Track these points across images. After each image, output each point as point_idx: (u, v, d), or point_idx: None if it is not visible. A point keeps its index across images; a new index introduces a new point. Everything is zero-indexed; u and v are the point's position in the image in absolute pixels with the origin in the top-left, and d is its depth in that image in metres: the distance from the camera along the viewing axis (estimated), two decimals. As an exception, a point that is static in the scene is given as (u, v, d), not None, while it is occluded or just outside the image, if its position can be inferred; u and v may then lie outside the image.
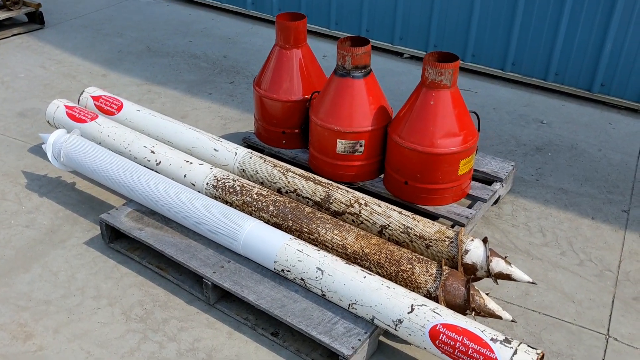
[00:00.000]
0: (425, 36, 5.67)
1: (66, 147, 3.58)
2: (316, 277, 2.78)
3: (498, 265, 2.87)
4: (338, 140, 3.56)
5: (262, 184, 3.51)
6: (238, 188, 3.31)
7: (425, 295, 2.76)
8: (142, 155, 3.62)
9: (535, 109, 5.03)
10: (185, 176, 3.45)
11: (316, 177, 3.44)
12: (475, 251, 2.91)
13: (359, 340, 2.64)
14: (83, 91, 4.24)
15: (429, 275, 2.78)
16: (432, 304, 2.59)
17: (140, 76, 5.41)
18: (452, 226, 3.43)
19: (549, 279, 3.28)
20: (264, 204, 3.21)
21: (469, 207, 3.59)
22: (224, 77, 5.45)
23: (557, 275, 3.30)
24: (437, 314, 2.53)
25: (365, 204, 3.22)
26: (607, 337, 2.95)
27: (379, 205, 3.21)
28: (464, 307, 2.70)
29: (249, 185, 3.33)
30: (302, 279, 2.83)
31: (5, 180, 3.94)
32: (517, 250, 3.49)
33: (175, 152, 3.60)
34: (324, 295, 2.80)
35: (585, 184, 4.11)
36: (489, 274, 2.89)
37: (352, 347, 2.61)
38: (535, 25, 5.08)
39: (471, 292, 2.69)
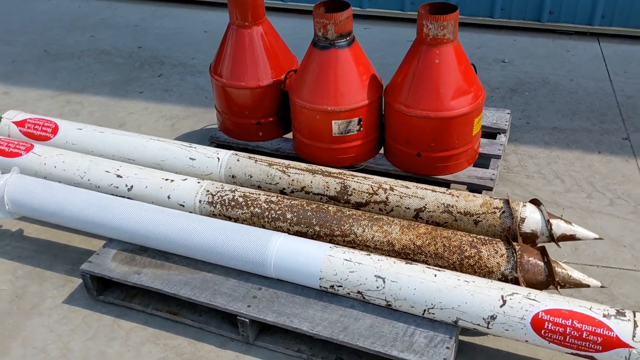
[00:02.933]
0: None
1: (10, 191, 2.88)
2: (377, 287, 2.37)
3: (559, 227, 2.59)
4: (333, 121, 3.11)
5: (259, 188, 3.01)
6: (240, 199, 2.80)
7: (500, 280, 2.43)
8: (107, 183, 2.99)
9: (490, 48, 4.80)
10: (169, 197, 2.89)
11: (323, 168, 2.98)
12: (532, 217, 2.61)
13: (448, 348, 2.28)
14: (0, 118, 3.48)
15: (500, 256, 2.45)
16: (522, 289, 2.27)
17: (50, 86, 4.62)
18: (478, 192, 3.12)
19: (589, 227, 3.06)
20: (278, 212, 2.73)
21: (484, 166, 3.28)
22: (149, 70, 4.77)
23: (596, 221, 3.10)
24: (534, 300, 2.21)
25: (391, 188, 2.82)
26: (664, 279, 2.78)
27: (407, 187, 2.82)
28: (546, 283, 2.41)
29: (253, 193, 2.83)
30: (358, 292, 2.41)
31: None
32: (544, 203, 3.24)
33: (147, 170, 3.01)
34: (389, 305, 2.40)
35: (575, 118, 3.94)
36: (551, 238, 2.60)
37: (445, 359, 2.24)
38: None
39: (552, 264, 2.39)
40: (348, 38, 3.08)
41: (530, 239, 2.62)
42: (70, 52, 5.10)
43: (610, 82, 4.31)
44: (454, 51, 2.97)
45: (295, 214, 2.71)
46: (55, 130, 3.37)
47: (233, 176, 3.06)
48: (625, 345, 2.09)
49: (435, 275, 2.34)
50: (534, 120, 3.93)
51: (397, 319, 2.40)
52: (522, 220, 2.61)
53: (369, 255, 2.46)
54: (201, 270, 2.67)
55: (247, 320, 2.46)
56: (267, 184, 3.00)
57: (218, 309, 2.51)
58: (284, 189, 2.98)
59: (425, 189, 2.80)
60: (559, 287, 2.40)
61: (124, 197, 2.93)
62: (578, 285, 2.41)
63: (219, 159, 3.09)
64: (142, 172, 2.99)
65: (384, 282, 2.36)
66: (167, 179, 2.94)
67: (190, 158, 3.12)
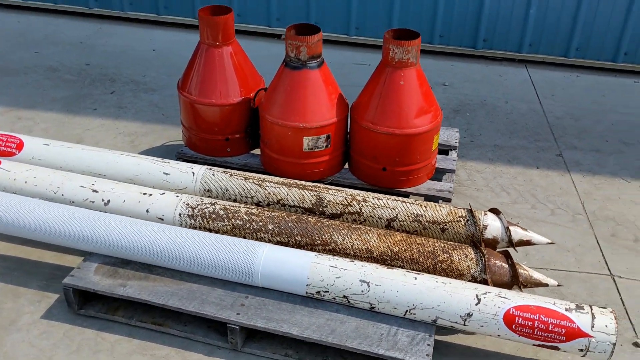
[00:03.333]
0: (305, 14, 5.46)
1: (-17, 207, 2.85)
2: (362, 291, 2.54)
3: (517, 233, 2.87)
4: (304, 137, 3.28)
5: (235, 201, 3.13)
6: (221, 212, 2.90)
7: (470, 281, 2.67)
8: (82, 198, 3.01)
9: (431, 72, 5.13)
10: (148, 211, 2.95)
11: (298, 181, 3.14)
12: (493, 224, 2.88)
13: (428, 345, 2.48)
14: (-41, 133, 3.41)
15: (470, 260, 2.69)
16: (494, 289, 2.51)
17: (-3, 102, 4.53)
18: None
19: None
20: (259, 223, 2.85)
21: (438, 180, 3.54)
22: (100, 87, 4.76)
23: (541, 229, 3.42)
24: (505, 297, 2.46)
25: (364, 200, 3.02)
26: (612, 276, 3.12)
27: (379, 199, 3.03)
28: (511, 283, 2.67)
29: (233, 206, 2.94)
30: (344, 297, 2.58)
31: None
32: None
33: (123, 185, 3.05)
34: (372, 308, 2.57)
35: (513, 136, 4.30)
36: (510, 244, 2.87)
37: (427, 355, 2.44)
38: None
39: (516, 267, 2.66)
40: (318, 60, 3.27)
41: (492, 244, 2.88)
42: (15, 69, 5.00)
43: (540, 105, 4.72)
44: (416, 74, 3.22)
45: (276, 225, 2.85)
46: (20, 145, 3.35)
47: (208, 190, 3.15)
48: (586, 335, 2.37)
49: (416, 278, 2.54)
50: (477, 138, 4.26)
51: (380, 321, 2.58)
52: (485, 227, 2.88)
53: (352, 261, 2.63)
54: (186, 281, 2.74)
55: (237, 327, 2.57)
56: (243, 197, 3.12)
57: (207, 317, 2.59)
58: (260, 202, 3.11)
59: (396, 200, 3.02)
60: (522, 286, 2.66)
61: (100, 211, 2.96)
62: (538, 284, 2.68)
63: (193, 173, 3.18)
64: (119, 186, 3.04)
65: (369, 286, 2.54)
66: (144, 193, 3.00)
67: (165, 173, 3.19)
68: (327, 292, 2.59)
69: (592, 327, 2.37)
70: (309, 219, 2.88)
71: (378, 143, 3.27)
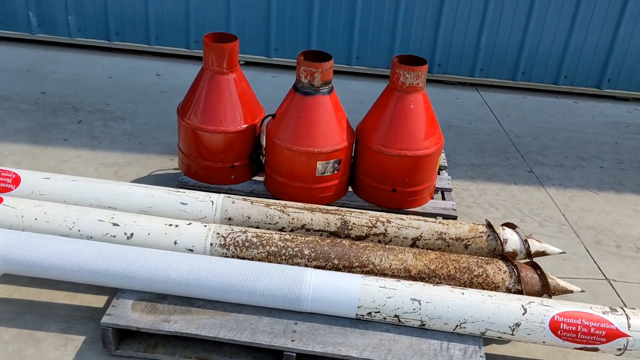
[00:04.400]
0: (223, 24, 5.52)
1: (1, 248, 2.64)
2: (414, 309, 2.61)
3: (534, 245, 3.07)
4: (318, 162, 3.32)
5: (257, 228, 3.10)
6: (254, 239, 2.88)
7: (505, 292, 2.81)
8: (102, 232, 2.87)
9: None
10: (176, 243, 2.86)
11: (319, 206, 3.17)
12: (512, 238, 3.06)
13: (481, 357, 2.59)
14: (-57, 169, 3.14)
15: (503, 273, 2.84)
16: (536, 299, 2.67)
17: (-49, 135, 4.19)
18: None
19: (533, 246, 3.60)
20: (295, 249, 2.85)
21: (442, 199, 3.70)
22: (64, 117, 4.54)
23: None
24: (548, 306, 2.62)
25: (388, 221, 3.10)
26: (608, 280, 3.39)
27: (402, 219, 3.12)
28: (541, 292, 2.84)
29: (265, 232, 2.92)
30: (395, 316, 2.63)
31: None
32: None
33: (145, 217, 2.95)
34: (423, 325, 2.65)
35: (485, 155, 4.57)
36: (527, 255, 3.06)
37: (483, 366, 2.55)
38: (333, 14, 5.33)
39: (545, 276, 2.84)
40: (329, 85, 3.33)
41: (512, 257, 3.05)
42: (-38, 98, 4.65)
43: (500, 125, 5.04)
44: (423, 98, 3.37)
45: (312, 249, 2.86)
46: (16, 180, 3.13)
47: (229, 218, 3.11)
48: (624, 335, 2.57)
49: (463, 293, 2.65)
50: (453, 158, 4.47)
51: (430, 337, 2.65)
52: (505, 241, 3.05)
53: (399, 281, 2.70)
54: (230, 312, 2.68)
55: (294, 354, 2.55)
56: (266, 224, 3.10)
57: (262, 346, 2.55)
58: (283, 227, 3.10)
59: (418, 219, 3.13)
60: (551, 294, 2.84)
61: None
62: (565, 291, 2.87)
63: (212, 202, 3.12)
64: (140, 219, 2.92)
65: (420, 304, 2.61)
66: (170, 224, 2.91)
67: (182, 203, 3.10)
68: (379, 312, 2.63)
69: (629, 327, 2.58)
70: (344, 242, 2.92)
71: (389, 165, 3.36)
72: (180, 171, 3.99)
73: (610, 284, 3.36)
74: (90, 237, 2.87)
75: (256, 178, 3.67)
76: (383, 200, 3.48)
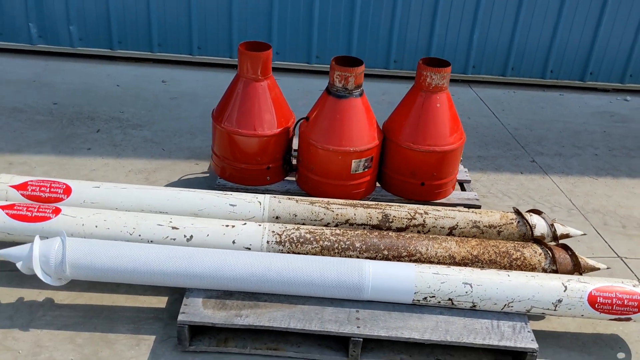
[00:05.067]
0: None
1: (71, 254, 2.75)
2: (466, 292, 2.84)
3: (559, 229, 3.34)
4: (353, 160, 3.52)
5: (303, 224, 3.28)
6: (308, 236, 3.06)
7: (542, 272, 3.07)
8: (162, 236, 3.01)
9: (392, 95, 5.56)
10: (234, 242, 3.02)
11: (360, 201, 3.37)
12: (539, 223, 3.33)
13: (529, 332, 2.83)
14: (-7, 183, 3.22)
15: (539, 255, 3.09)
16: (574, 277, 2.93)
17: (-27, 148, 4.22)
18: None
19: (549, 230, 3.88)
20: (347, 242, 3.05)
21: (462, 190, 3.94)
22: (82, 127, 4.61)
23: (550, 225, 3.93)
24: (585, 282, 2.89)
25: (426, 212, 3.32)
26: (620, 258, 3.70)
27: (438, 210, 3.35)
28: (573, 271, 3.10)
29: (317, 228, 3.10)
30: (449, 299, 2.86)
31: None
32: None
33: (201, 220, 3.09)
34: (474, 306, 2.88)
35: (489, 147, 4.84)
36: (554, 238, 3.33)
37: (532, 340, 2.79)
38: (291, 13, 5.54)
39: (576, 256, 3.11)
40: (361, 89, 3.53)
41: (540, 240, 3.31)
42: (-27, 111, 4.67)
43: (497, 119, 5.33)
44: (447, 97, 3.60)
45: (363, 242, 3.06)
46: (67, 190, 3.23)
47: (277, 217, 3.27)
48: (653, 304, 2.86)
49: (509, 275, 2.89)
50: (461, 151, 4.73)
51: (481, 317, 2.89)
52: (533, 226, 3.31)
53: (449, 267, 2.92)
54: (295, 304, 2.86)
55: (361, 340, 2.74)
56: (312, 221, 3.28)
57: (331, 334, 2.74)
58: (328, 223, 3.29)
59: (453, 209, 3.36)
60: (582, 272, 3.11)
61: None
62: (593, 269, 3.14)
63: (260, 202, 3.28)
64: (198, 221, 3.07)
65: (471, 287, 2.84)
66: (227, 225, 3.06)
67: (231, 204, 3.26)
68: (434, 297, 2.85)
69: (657, 297, 2.87)
70: (390, 234, 3.12)
71: (418, 160, 3.59)
72: (207, 175, 4.15)
73: (623, 261, 3.66)
74: (151, 241, 3.00)
75: (288, 178, 3.84)
76: (412, 194, 3.70)
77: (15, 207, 3.01)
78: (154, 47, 5.63)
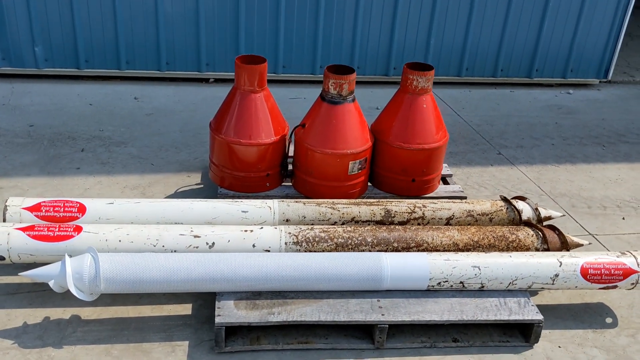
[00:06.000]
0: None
1: (105, 269, 2.84)
2: (475, 275, 3.11)
3: (542, 212, 3.68)
4: (350, 162, 3.73)
5: (312, 224, 3.47)
6: (322, 234, 3.25)
7: (535, 251, 3.38)
8: (185, 245, 3.13)
9: (361, 99, 5.81)
10: (254, 246, 3.17)
11: (363, 200, 3.59)
12: (525, 208, 3.65)
13: (533, 306, 3.13)
14: (5, 207, 3.24)
15: (531, 236, 3.41)
16: (565, 253, 3.26)
17: (-44, 175, 4.17)
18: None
19: (526, 215, 4.22)
20: (359, 238, 3.26)
21: (444, 184, 4.23)
22: (65, 147, 4.62)
23: (526, 211, 4.27)
24: (575, 257, 3.21)
25: (424, 206, 3.58)
26: (592, 235, 4.08)
27: (435, 203, 3.62)
28: (561, 248, 3.44)
29: (330, 227, 3.30)
30: (460, 282, 3.12)
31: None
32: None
33: (220, 227, 3.23)
34: (482, 287, 3.15)
35: (458, 143, 5.17)
36: (538, 221, 3.66)
37: (537, 312, 3.09)
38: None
39: (563, 235, 3.44)
40: (353, 95, 3.76)
41: (530, 223, 3.63)
42: (-51, 138, 4.59)
43: (459, 116, 5.69)
44: (431, 98, 3.88)
45: (373, 237, 3.28)
46: (81, 209, 3.29)
47: (287, 220, 3.45)
48: (636, 272, 3.21)
49: (510, 256, 3.18)
50: (433, 149, 5.04)
51: (488, 296, 3.16)
52: (520, 211, 3.63)
53: (455, 253, 3.19)
54: (320, 299, 3.04)
55: (386, 326, 2.96)
56: (321, 221, 3.48)
57: (359, 323, 2.95)
58: (335, 222, 3.49)
59: (447, 201, 3.64)
60: (568, 249, 3.45)
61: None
62: (577, 245, 3.48)
63: (270, 207, 3.45)
64: (218, 229, 3.20)
65: (480, 269, 3.12)
66: (245, 230, 3.21)
67: (243, 211, 3.41)
68: (447, 281, 3.11)
69: (638, 265, 3.23)
70: (398, 227, 3.36)
71: (409, 158, 3.84)
72: (202, 186, 4.26)
73: (595, 238, 4.05)
74: (174, 251, 3.12)
75: (285, 183, 4.02)
76: (403, 190, 3.96)
77: (36, 228, 3.06)
78: (122, 64, 5.66)
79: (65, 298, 3.11)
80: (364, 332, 3.07)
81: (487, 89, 6.39)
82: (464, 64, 6.21)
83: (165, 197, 4.08)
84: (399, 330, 3.09)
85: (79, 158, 4.47)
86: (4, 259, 3.03)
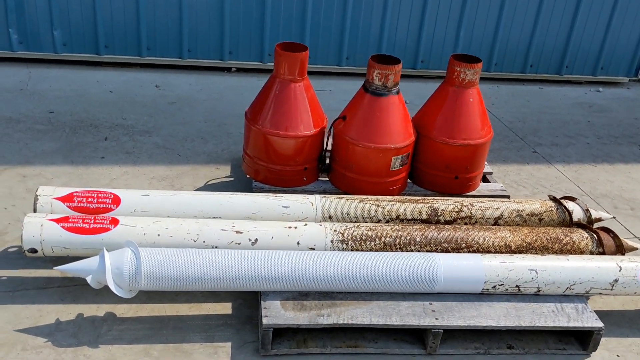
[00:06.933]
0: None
1: (146, 265, 2.67)
2: (532, 278, 2.95)
3: (593, 213, 3.52)
4: (394, 157, 3.57)
5: (355, 222, 3.30)
6: (370, 233, 3.09)
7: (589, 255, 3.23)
8: (227, 241, 2.96)
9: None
10: (299, 243, 3.01)
11: (408, 197, 3.43)
12: (576, 209, 3.49)
13: (591, 312, 2.98)
14: (36, 197, 3.06)
15: (586, 239, 3.25)
16: (625, 257, 3.11)
17: (-22, 162, 3.99)
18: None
19: (569, 216, 4.06)
20: (408, 237, 3.10)
21: (484, 182, 4.07)
22: (87, 135, 4.43)
23: (568, 211, 4.12)
24: (635, 261, 3.06)
25: (471, 204, 3.42)
26: (638, 239, 3.92)
27: (482, 202, 3.46)
28: (616, 252, 3.28)
29: (377, 226, 3.14)
30: (516, 286, 2.96)
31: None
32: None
33: (262, 223, 3.06)
34: (538, 291, 2.99)
35: (492, 140, 4.99)
36: (588, 222, 3.50)
37: (596, 319, 2.93)
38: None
39: (619, 238, 3.29)
40: (398, 86, 3.59)
41: (584, 224, 3.47)
42: (-32, 123, 4.40)
43: (490, 113, 5.52)
44: (478, 92, 3.72)
45: (423, 236, 3.12)
46: (116, 200, 3.12)
47: (329, 217, 3.28)
48: (698, 278, 3.06)
49: (568, 260, 3.03)
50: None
51: (544, 301, 3.00)
52: (571, 212, 3.47)
53: (511, 255, 3.03)
54: (369, 300, 2.88)
55: (441, 331, 2.80)
56: (364, 219, 3.31)
57: (413, 327, 2.79)
58: (380, 220, 3.33)
59: (495, 200, 3.48)
60: (624, 253, 3.29)
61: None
62: (632, 249, 3.33)
63: (312, 203, 3.28)
64: (261, 225, 3.03)
65: (537, 272, 2.96)
66: (289, 227, 3.04)
67: (284, 206, 3.24)
68: (502, 285, 2.95)
69: (700, 271, 3.07)
70: (447, 226, 3.20)
71: (453, 154, 3.68)
72: (232, 179, 4.09)
73: (641, 241, 3.90)
74: (216, 247, 2.95)
75: (321, 178, 3.85)
76: (445, 187, 3.79)
77: (70, 220, 2.89)
78: (143, 51, 5.47)
79: (98, 294, 2.96)
80: (415, 336, 2.91)
81: (516, 85, 6.22)
82: (493, 59, 6.04)
83: (196, 190, 3.91)
84: (450, 335, 2.93)
85: (102, 147, 4.29)
86: (35, 251, 2.86)
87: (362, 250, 3.05)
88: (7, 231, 3.36)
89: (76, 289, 3.01)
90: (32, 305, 2.90)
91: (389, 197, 3.40)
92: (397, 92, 3.58)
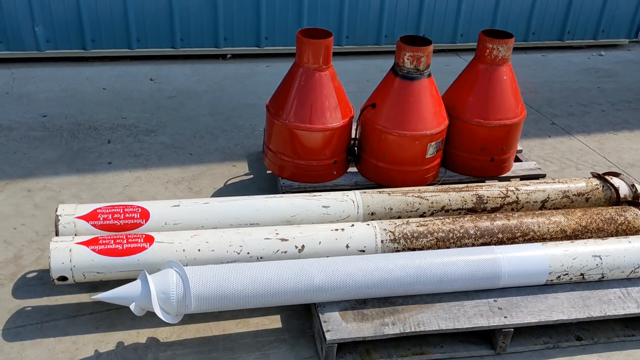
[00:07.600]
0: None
1: (196, 285, 2.44)
2: (597, 265, 2.80)
3: (638, 188, 3.39)
4: (429, 144, 3.37)
5: (399, 217, 3.11)
6: (421, 229, 2.90)
7: (645, 235, 3.10)
8: (272, 250, 2.74)
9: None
10: (348, 246, 2.81)
11: (450, 185, 3.24)
12: (621, 186, 3.35)
13: (658, 294, 2.86)
14: (57, 217, 2.79)
15: (640, 217, 3.11)
16: (685, 234, 2.97)
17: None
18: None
19: (603, 190, 3.93)
20: (461, 231, 2.92)
21: (516, 161, 3.90)
22: (88, 139, 4.13)
23: (601, 185, 3.99)
24: (698, 239, 2.94)
25: (517, 189, 3.25)
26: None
27: (527, 185, 3.29)
28: (670, 229, 3.16)
29: (427, 220, 2.95)
30: (581, 274, 2.81)
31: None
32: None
33: (307, 227, 2.85)
34: (602, 277, 2.85)
35: (507, 115, 4.83)
36: (634, 198, 3.37)
37: (665, 302, 2.81)
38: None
39: (673, 214, 3.16)
40: (429, 69, 3.37)
41: (635, 202, 3.33)
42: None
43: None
44: (510, 68, 3.52)
45: (476, 228, 2.94)
46: (144, 214, 2.86)
47: (372, 213, 3.08)
48: None
49: (630, 242, 2.88)
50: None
51: (608, 287, 2.87)
52: (618, 189, 3.32)
53: (572, 242, 2.87)
54: (431, 302, 2.71)
55: (512, 330, 2.64)
56: (408, 212, 3.12)
57: (484, 329, 2.62)
58: (424, 213, 3.14)
59: (540, 182, 3.31)
60: (679, 229, 3.16)
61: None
62: (686, 224, 3.21)
63: (353, 200, 3.07)
64: (304, 229, 2.82)
65: (601, 259, 2.81)
66: (336, 229, 2.84)
67: (324, 206, 3.03)
68: (567, 274, 2.79)
69: None
70: (499, 215, 3.02)
71: (489, 136, 3.50)
72: (252, 176, 3.86)
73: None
74: (261, 257, 2.73)
75: (350, 170, 3.63)
76: (480, 171, 3.62)
77: (101, 241, 2.63)
78: (133, 42, 5.13)
79: (136, 318, 2.70)
80: (481, 336, 2.75)
81: (519, 54, 6.05)
82: (496, 28, 5.84)
83: (215, 192, 3.66)
84: (517, 331, 2.77)
85: (107, 151, 4.00)
86: (66, 279, 2.60)
87: (414, 249, 2.87)
88: (22, 254, 3.08)
89: (110, 314, 2.77)
90: (66, 337, 2.65)
91: (431, 188, 3.20)
92: (429, 75, 3.37)
